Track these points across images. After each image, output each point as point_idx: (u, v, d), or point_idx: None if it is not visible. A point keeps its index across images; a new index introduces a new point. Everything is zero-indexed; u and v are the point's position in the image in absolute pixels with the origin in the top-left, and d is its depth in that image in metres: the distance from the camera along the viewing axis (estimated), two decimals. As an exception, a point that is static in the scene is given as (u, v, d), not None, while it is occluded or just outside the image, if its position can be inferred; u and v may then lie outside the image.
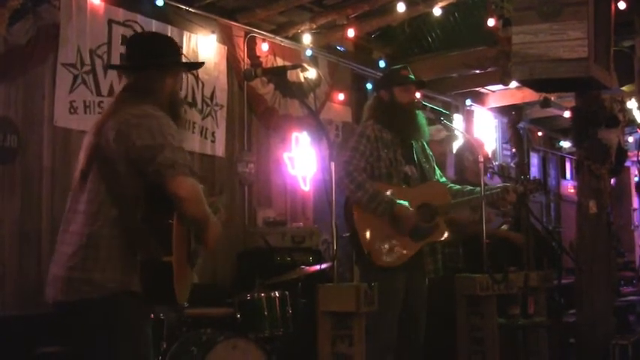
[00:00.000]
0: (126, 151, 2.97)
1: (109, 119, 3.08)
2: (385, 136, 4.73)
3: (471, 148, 5.77)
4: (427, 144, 5.03)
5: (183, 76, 6.36)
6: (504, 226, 6.34)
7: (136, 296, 3.01)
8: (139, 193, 2.99)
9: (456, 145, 6.57)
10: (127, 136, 2.97)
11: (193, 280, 3.25)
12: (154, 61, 3.21)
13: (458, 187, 5.02)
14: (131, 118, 3.01)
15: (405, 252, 4.63)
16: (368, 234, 4.59)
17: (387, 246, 4.60)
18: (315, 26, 7.59)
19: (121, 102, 3.16)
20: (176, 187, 2.92)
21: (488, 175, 5.80)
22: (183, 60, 3.37)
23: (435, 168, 4.99)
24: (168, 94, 3.23)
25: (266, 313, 5.19)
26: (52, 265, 3.11)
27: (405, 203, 4.58)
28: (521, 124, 11.31)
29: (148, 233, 2.96)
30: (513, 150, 10.82)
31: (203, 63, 4.31)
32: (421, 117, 4.91)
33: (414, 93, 4.93)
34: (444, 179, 5.08)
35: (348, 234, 4.67)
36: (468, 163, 5.91)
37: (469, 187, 5.01)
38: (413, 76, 4.94)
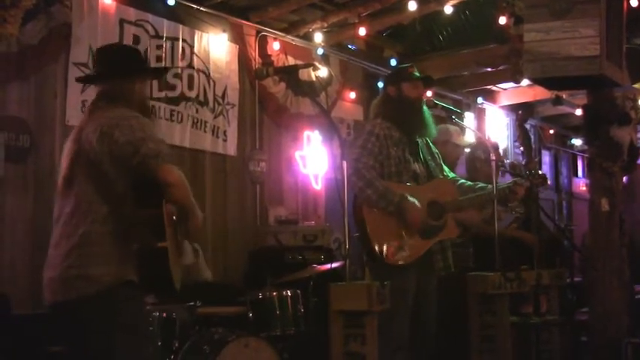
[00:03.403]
0: (109, 149, 3.12)
1: (87, 125, 3.24)
2: (394, 135, 4.69)
3: (484, 148, 5.75)
4: (432, 142, 5.00)
5: (195, 75, 6.58)
6: (514, 225, 6.31)
7: (133, 286, 3.15)
8: (126, 188, 3.14)
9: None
10: (110, 136, 3.12)
11: (184, 270, 3.39)
12: (120, 70, 3.37)
13: (469, 183, 4.98)
14: (110, 120, 3.17)
15: (414, 250, 4.57)
16: (377, 233, 4.53)
17: (396, 245, 4.54)
18: (326, 25, 7.60)
19: (96, 109, 3.32)
20: (164, 174, 3.09)
21: (504, 175, 5.76)
22: (149, 67, 3.66)
23: (441, 165, 4.95)
24: (138, 98, 3.40)
25: (278, 311, 5.19)
26: (46, 270, 3.23)
27: (415, 201, 4.56)
28: (532, 122, 11.26)
29: (139, 224, 3.09)
30: (521, 148, 10.79)
31: (169, 68, 4.49)
32: (428, 114, 4.88)
33: (422, 90, 4.91)
34: (452, 175, 5.06)
35: (357, 234, 4.65)
36: (480, 164, 5.89)
37: (480, 184, 4.98)
38: (419, 74, 4.93)
